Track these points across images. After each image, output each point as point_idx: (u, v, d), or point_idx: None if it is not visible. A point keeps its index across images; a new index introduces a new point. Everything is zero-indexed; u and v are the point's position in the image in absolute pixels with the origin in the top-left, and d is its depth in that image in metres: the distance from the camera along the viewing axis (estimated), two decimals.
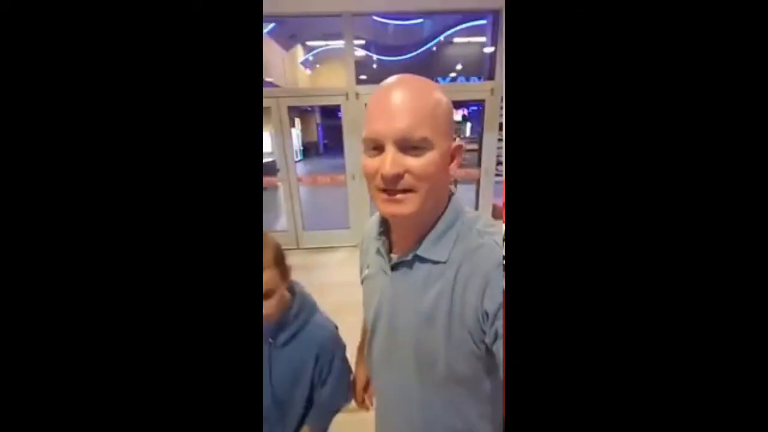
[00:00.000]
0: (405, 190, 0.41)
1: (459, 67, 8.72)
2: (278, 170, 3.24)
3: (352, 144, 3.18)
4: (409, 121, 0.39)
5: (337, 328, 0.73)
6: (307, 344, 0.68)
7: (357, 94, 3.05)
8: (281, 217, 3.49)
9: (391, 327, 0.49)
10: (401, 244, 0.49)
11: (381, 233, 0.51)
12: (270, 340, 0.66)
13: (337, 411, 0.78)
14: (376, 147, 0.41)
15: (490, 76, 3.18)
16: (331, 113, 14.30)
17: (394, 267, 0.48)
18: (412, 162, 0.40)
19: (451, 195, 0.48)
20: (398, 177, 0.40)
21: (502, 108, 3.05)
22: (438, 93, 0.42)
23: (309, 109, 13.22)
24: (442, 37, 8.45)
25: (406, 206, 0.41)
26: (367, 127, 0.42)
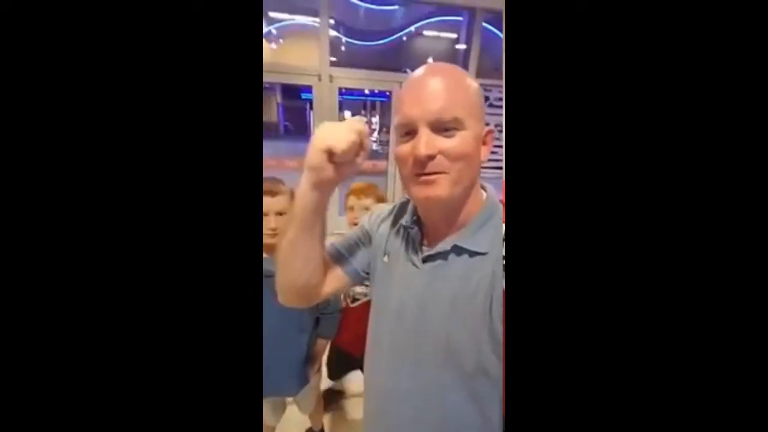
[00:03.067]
0: (438, 173, 0.41)
1: (430, 60, 8.78)
2: None
3: None
4: (442, 102, 0.40)
5: None
6: None
7: (331, 77, 2.92)
8: None
9: (419, 321, 0.47)
10: (433, 236, 0.48)
11: (414, 222, 0.50)
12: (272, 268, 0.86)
13: (340, 314, 1.04)
14: (409, 132, 0.42)
15: None
16: (293, 93, 13.58)
17: (426, 259, 0.47)
18: (445, 143, 0.41)
19: (483, 188, 0.49)
20: (431, 158, 0.40)
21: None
22: (468, 78, 0.43)
23: (268, 86, 12.41)
24: (413, 28, 8.42)
25: (440, 188, 0.41)
26: (399, 114, 0.42)
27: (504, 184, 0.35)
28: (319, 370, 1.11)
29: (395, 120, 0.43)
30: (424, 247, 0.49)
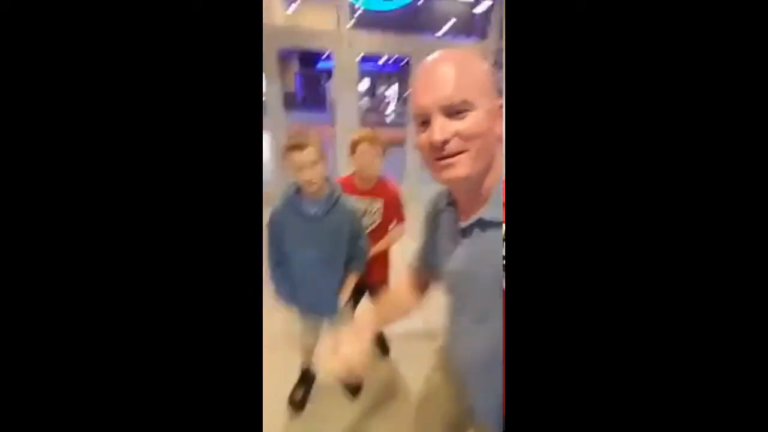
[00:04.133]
0: (456, 154, 0.44)
1: (450, 23, 8.40)
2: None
3: (342, 98, 3.14)
4: (450, 88, 0.42)
5: None
6: (344, 212, 1.02)
7: (350, 42, 2.98)
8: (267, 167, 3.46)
9: (461, 293, 0.55)
10: (465, 213, 0.52)
11: (449, 204, 0.57)
12: (314, 211, 0.97)
13: (367, 253, 1.15)
14: (425, 121, 0.45)
15: (483, 36, 3.19)
16: (310, 62, 13.34)
17: (463, 234, 0.52)
18: (458, 125, 0.43)
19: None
20: (446, 143, 0.43)
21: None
22: (475, 57, 0.45)
23: (285, 54, 12.26)
24: None
25: (460, 168, 0.44)
26: (413, 104, 0.46)
27: (504, 180, 0.35)
28: (349, 302, 1.23)
29: (412, 111, 0.47)
30: (460, 224, 0.53)
